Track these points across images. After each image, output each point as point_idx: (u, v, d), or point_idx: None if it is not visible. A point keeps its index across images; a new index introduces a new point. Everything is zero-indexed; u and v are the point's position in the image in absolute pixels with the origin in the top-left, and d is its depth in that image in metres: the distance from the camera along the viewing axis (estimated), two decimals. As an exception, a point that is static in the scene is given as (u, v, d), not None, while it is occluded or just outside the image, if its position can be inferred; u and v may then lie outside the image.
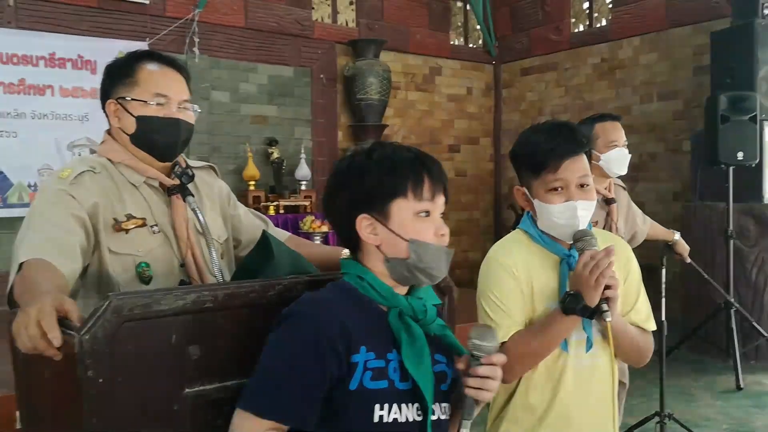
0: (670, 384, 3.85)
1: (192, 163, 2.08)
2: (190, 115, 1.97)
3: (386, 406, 1.42)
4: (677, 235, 3.71)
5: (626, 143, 3.35)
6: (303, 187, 7.12)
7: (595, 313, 1.76)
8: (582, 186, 1.85)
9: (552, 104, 8.12)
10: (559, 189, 1.85)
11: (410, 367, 1.43)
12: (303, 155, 7.13)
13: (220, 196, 2.13)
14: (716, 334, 5.64)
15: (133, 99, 1.89)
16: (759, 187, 5.75)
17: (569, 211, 1.84)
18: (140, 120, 1.89)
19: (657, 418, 3.76)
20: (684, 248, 3.73)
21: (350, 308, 1.46)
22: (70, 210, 1.77)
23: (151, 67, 1.92)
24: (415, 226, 1.47)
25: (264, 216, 2.23)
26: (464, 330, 1.58)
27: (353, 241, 1.53)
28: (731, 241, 5.50)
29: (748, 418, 4.61)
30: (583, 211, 1.84)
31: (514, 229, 6.29)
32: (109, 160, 1.92)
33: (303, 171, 7.13)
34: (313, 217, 6.59)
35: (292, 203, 6.92)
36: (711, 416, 4.62)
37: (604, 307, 1.75)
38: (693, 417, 4.53)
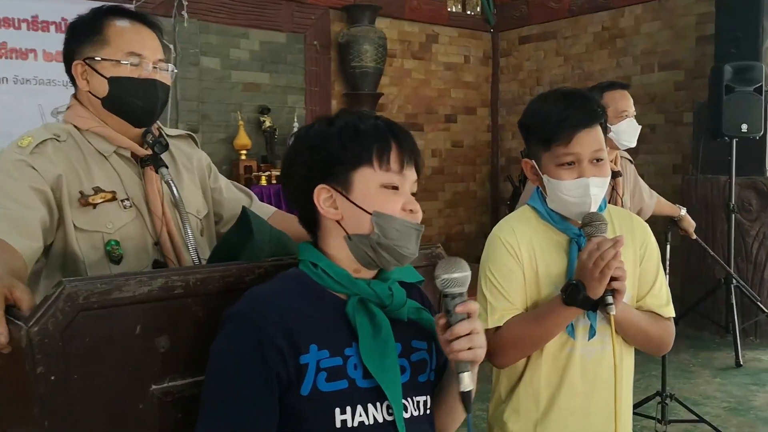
0: (669, 360, 3.75)
1: (167, 131, 1.92)
2: (166, 76, 1.81)
3: (348, 409, 1.27)
4: (683, 211, 3.58)
5: (635, 113, 3.21)
6: (295, 157, 6.93)
7: (597, 306, 1.62)
8: (595, 161, 1.70)
9: (551, 74, 7.91)
10: (571, 164, 1.69)
11: (369, 362, 1.28)
12: (296, 124, 6.93)
13: (200, 167, 1.98)
14: (715, 310, 5.54)
15: (103, 59, 1.73)
16: (762, 160, 5.61)
17: (581, 188, 1.68)
18: (113, 81, 1.72)
19: (658, 398, 3.65)
20: (690, 224, 3.60)
21: (300, 301, 1.30)
22: (30, 183, 1.61)
23: (121, 24, 1.75)
24: (380, 198, 1.31)
25: (248, 190, 2.07)
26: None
27: (312, 219, 1.37)
28: (733, 215, 5.37)
29: (747, 395, 4.52)
30: (596, 188, 1.69)
31: (510, 201, 6.20)
32: (76, 127, 1.76)
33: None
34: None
35: (285, 173, 6.74)
36: (710, 393, 4.53)
37: (609, 299, 1.61)
38: (692, 394, 4.44)
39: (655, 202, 3.45)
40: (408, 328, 1.37)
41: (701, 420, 3.68)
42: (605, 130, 1.74)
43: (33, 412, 1.13)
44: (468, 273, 1.29)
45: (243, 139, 6.63)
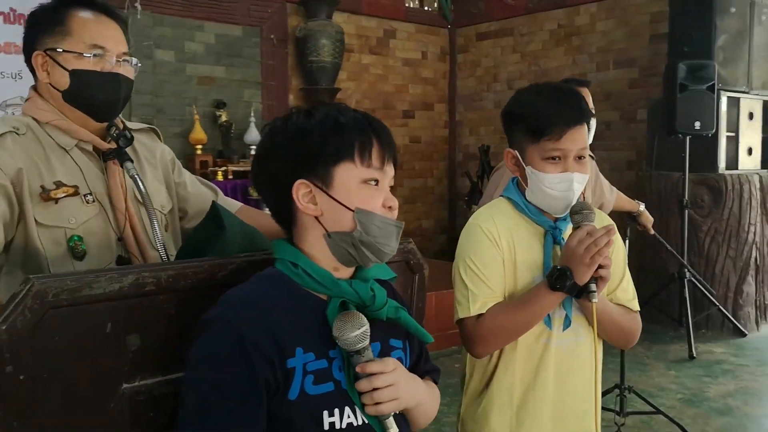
0: (624, 353, 3.83)
1: (130, 125, 1.87)
2: (129, 70, 1.77)
3: (336, 411, 1.25)
4: (642, 206, 3.64)
5: (593, 110, 3.23)
6: (252, 152, 6.86)
7: (582, 292, 1.64)
8: (579, 158, 1.71)
9: (508, 70, 7.97)
10: (557, 159, 1.71)
11: (346, 369, 1.26)
12: (252, 119, 6.87)
13: (163, 161, 1.93)
14: (668, 304, 5.65)
15: (65, 50, 1.67)
16: (714, 157, 5.73)
17: (565, 182, 1.70)
18: (75, 74, 1.67)
19: (617, 390, 3.71)
20: (648, 219, 3.67)
21: (281, 303, 1.26)
22: None
23: (84, 15, 1.70)
24: (361, 194, 1.29)
25: (213, 184, 2.04)
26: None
27: (288, 215, 1.33)
28: (686, 211, 5.48)
29: (701, 387, 4.62)
30: (578, 184, 1.71)
31: (468, 197, 6.24)
32: (35, 120, 1.71)
33: (252, 135, 6.86)
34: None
35: (241, 168, 6.65)
36: (665, 385, 4.61)
37: (593, 286, 1.64)
38: (647, 386, 4.52)
39: (615, 197, 3.50)
40: (385, 328, 1.36)
41: (658, 412, 3.75)
42: (589, 129, 1.75)
43: (1, 414, 1.09)
44: (365, 327, 1.25)
45: (198, 133, 6.54)
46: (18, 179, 1.59)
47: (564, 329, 1.76)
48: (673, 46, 5.83)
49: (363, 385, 1.25)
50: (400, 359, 1.38)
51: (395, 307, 1.35)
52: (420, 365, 1.46)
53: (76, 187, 1.67)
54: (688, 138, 5.35)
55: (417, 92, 8.36)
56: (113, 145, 1.75)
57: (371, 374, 1.25)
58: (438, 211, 8.47)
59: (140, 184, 1.69)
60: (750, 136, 5.98)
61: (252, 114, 6.90)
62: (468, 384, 1.86)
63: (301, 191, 1.29)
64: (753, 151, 6.01)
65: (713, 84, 5.33)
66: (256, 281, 1.30)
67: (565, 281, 1.63)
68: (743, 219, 5.71)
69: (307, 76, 7.35)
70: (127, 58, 1.76)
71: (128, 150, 1.77)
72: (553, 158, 1.71)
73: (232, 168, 6.55)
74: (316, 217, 1.30)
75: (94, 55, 1.68)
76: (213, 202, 1.60)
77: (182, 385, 1.21)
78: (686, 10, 5.73)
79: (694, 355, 5.11)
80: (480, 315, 1.72)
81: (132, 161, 1.71)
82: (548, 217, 1.77)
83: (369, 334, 1.25)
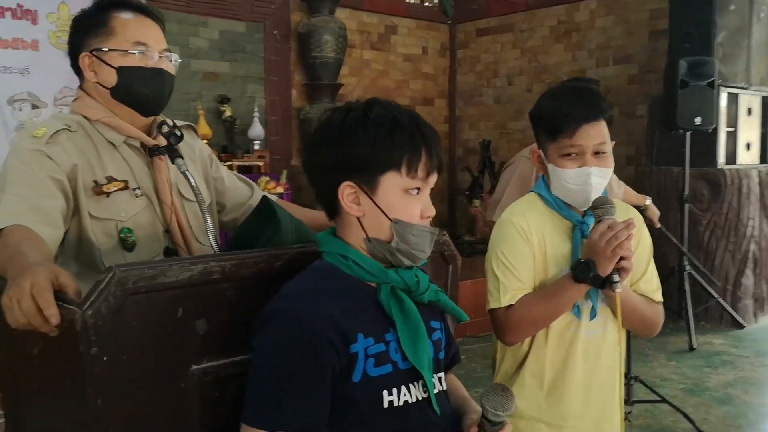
0: (626, 344, 3.93)
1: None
2: (170, 66, 1.86)
3: (394, 390, 1.33)
4: (649, 200, 3.73)
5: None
6: (256, 147, 6.93)
7: (605, 283, 1.73)
8: (598, 153, 1.80)
9: (508, 66, 8.07)
10: (574, 155, 1.80)
11: (407, 348, 1.34)
12: (256, 114, 6.94)
13: (202, 157, 2.01)
14: (668, 296, 5.72)
15: (111, 49, 1.76)
16: (713, 152, 5.84)
17: (582, 176, 1.79)
18: (121, 71, 1.76)
19: (624, 380, 3.80)
20: (654, 213, 3.76)
21: (338, 293, 1.34)
22: (47, 172, 1.64)
23: (125, 16, 1.79)
24: (402, 203, 1.35)
25: (248, 179, 2.11)
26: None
27: (332, 206, 1.40)
28: (686, 205, 5.58)
29: (702, 377, 4.73)
30: (597, 178, 1.79)
31: (469, 191, 6.36)
32: (85, 117, 1.79)
33: (256, 130, 6.94)
34: (267, 178, 6.43)
35: (246, 163, 6.72)
36: (667, 376, 4.72)
37: (615, 277, 1.71)
38: (650, 377, 4.60)
39: (623, 191, 3.59)
40: (427, 310, 1.44)
41: (663, 400, 3.85)
42: (611, 124, 1.83)
43: (86, 392, 1.17)
44: (513, 409, 1.38)
45: (203, 128, 6.59)
46: (73, 174, 1.67)
47: (591, 319, 1.85)
48: (673, 42, 5.92)
49: None
50: (440, 339, 1.48)
51: (435, 290, 1.45)
52: (451, 347, 1.56)
53: (126, 181, 1.75)
54: (688, 133, 5.45)
55: (417, 87, 8.45)
56: (159, 142, 1.83)
57: None
58: (438, 205, 8.44)
59: (191, 180, 1.77)
60: (748, 131, 6.10)
61: (255, 109, 6.96)
62: (499, 368, 1.95)
63: (347, 191, 1.35)
64: (751, 146, 6.13)
65: (713, 80, 5.43)
66: (310, 274, 1.38)
67: (588, 273, 1.72)
68: (742, 213, 5.82)
69: (309, 71, 7.41)
70: (168, 54, 1.84)
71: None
72: (570, 154, 1.80)
73: (236, 163, 6.61)
74: (358, 218, 1.37)
75: (139, 52, 1.76)
76: (264, 196, 1.68)
77: (249, 375, 1.29)
78: (686, 7, 5.82)
79: (694, 347, 5.22)
80: (510, 306, 1.82)
81: (182, 158, 1.79)
82: (576, 212, 1.86)
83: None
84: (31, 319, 1.19)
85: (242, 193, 2.04)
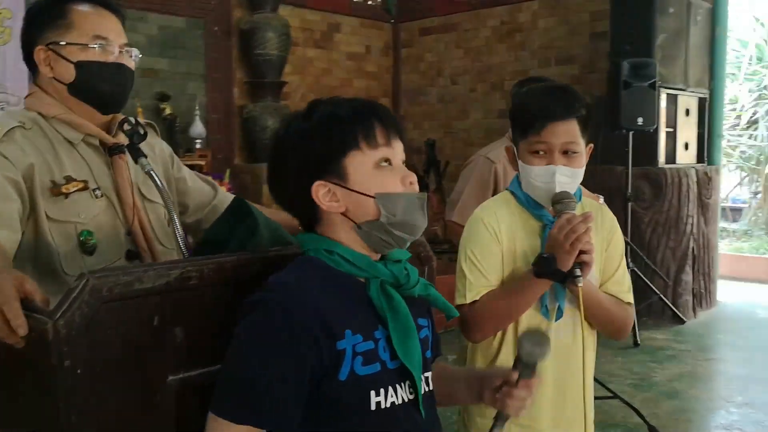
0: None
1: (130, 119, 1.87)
2: (131, 61, 1.78)
3: (382, 391, 1.29)
4: (601, 199, 3.76)
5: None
6: (198, 146, 6.79)
7: (567, 278, 1.71)
8: (567, 152, 1.78)
9: (452, 66, 8.08)
10: (542, 152, 1.78)
11: (398, 346, 1.30)
12: (197, 112, 6.79)
13: (162, 157, 1.94)
14: (611, 294, 5.84)
15: (69, 43, 1.67)
16: (654, 152, 5.96)
17: (548, 175, 1.77)
18: (80, 66, 1.67)
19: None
20: (607, 212, 3.80)
21: (325, 288, 1.29)
22: (2, 172, 1.54)
23: (84, 8, 1.71)
24: (378, 179, 1.31)
25: (211, 179, 2.05)
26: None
27: (312, 216, 1.36)
28: (629, 204, 5.68)
29: (648, 372, 4.82)
30: (563, 177, 1.77)
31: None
32: (41, 114, 1.69)
33: (198, 129, 6.79)
34: (210, 178, 6.29)
35: (187, 162, 6.39)
36: (614, 371, 4.79)
37: (577, 271, 1.70)
38: (597, 373, 4.63)
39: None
40: (415, 306, 1.39)
41: (616, 396, 3.91)
42: (586, 124, 1.82)
43: (58, 407, 1.10)
44: (549, 348, 1.37)
45: (143, 127, 6.43)
46: (29, 174, 1.58)
47: (556, 320, 1.84)
48: (614, 44, 6.01)
49: (522, 393, 1.36)
50: (427, 337, 1.44)
51: (425, 284, 1.41)
52: (438, 344, 1.54)
53: (85, 181, 1.67)
54: (631, 133, 5.55)
55: (361, 86, 8.40)
56: (119, 140, 1.75)
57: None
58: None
59: (158, 180, 1.69)
60: (687, 131, 6.25)
61: (197, 107, 6.82)
62: (471, 365, 1.93)
63: (321, 192, 1.31)
64: (689, 146, 6.28)
65: (655, 81, 5.54)
66: (296, 267, 1.33)
67: (548, 267, 1.70)
68: (682, 211, 5.96)
69: (252, 69, 7.28)
70: (128, 48, 1.76)
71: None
72: (538, 152, 1.79)
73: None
74: (342, 213, 1.32)
75: (99, 46, 1.68)
76: (235, 197, 1.62)
77: (223, 364, 1.23)
78: (627, 9, 5.92)
79: (639, 342, 5.32)
80: (474, 302, 1.80)
81: (146, 157, 1.71)
82: (548, 211, 1.85)
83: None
84: None
85: (205, 193, 1.97)
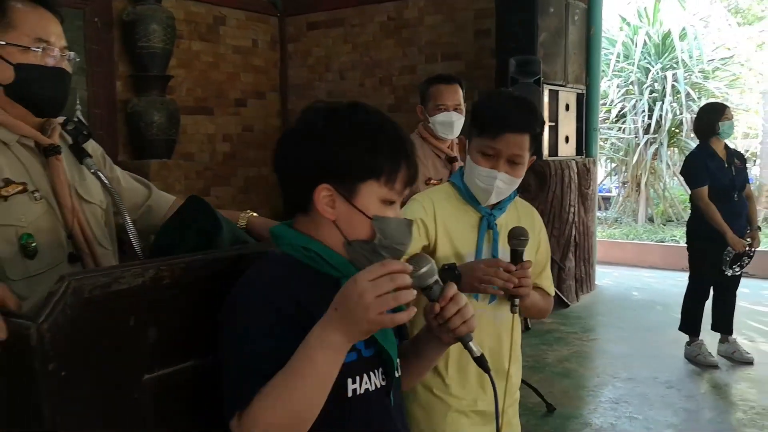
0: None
1: (59, 120, 1.83)
2: (68, 65, 1.74)
3: (357, 378, 1.36)
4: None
5: (459, 106, 3.48)
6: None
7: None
8: (512, 162, 1.89)
9: (340, 61, 8.15)
10: (490, 156, 1.89)
11: (378, 335, 1.36)
12: (78, 106, 6.55)
13: (96, 157, 1.90)
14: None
15: (8, 44, 1.62)
16: (539, 145, 6.23)
17: (490, 178, 1.89)
18: (20, 69, 1.62)
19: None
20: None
21: (303, 283, 1.33)
22: None
23: (25, 7, 1.65)
24: (380, 209, 1.36)
25: (144, 179, 2.02)
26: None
27: (302, 205, 1.38)
28: (517, 194, 5.94)
29: (540, 354, 5.09)
30: (502, 183, 1.90)
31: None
32: None
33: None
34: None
35: (71, 159, 6.34)
36: (509, 356, 5.02)
37: (516, 301, 1.88)
38: (493, 358, 4.90)
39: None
40: None
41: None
42: (536, 140, 1.92)
43: (41, 410, 1.10)
44: (432, 263, 1.36)
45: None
46: None
47: (489, 302, 1.98)
48: (500, 42, 6.26)
49: (451, 308, 1.35)
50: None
51: None
52: (402, 329, 1.61)
53: (24, 184, 1.63)
54: (518, 127, 5.81)
55: (249, 81, 8.32)
56: (54, 141, 1.71)
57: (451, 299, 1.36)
58: (273, 200, 8.49)
59: (105, 180, 1.67)
60: (567, 125, 6.60)
61: (77, 101, 6.58)
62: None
63: (323, 194, 1.34)
64: (570, 139, 6.63)
65: (539, 78, 5.82)
66: (271, 264, 1.36)
67: (453, 278, 1.81)
68: (564, 201, 6.30)
69: (136, 62, 7.07)
70: (67, 52, 1.73)
71: (63, 146, 1.75)
72: (487, 154, 1.90)
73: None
74: (333, 220, 1.35)
75: (42, 50, 1.64)
76: (192, 195, 1.62)
77: (225, 364, 1.26)
78: (511, 9, 6.17)
79: (529, 327, 5.59)
80: None
81: (91, 156, 1.68)
82: (486, 205, 1.97)
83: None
84: None
85: (139, 194, 1.96)
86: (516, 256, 1.87)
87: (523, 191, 5.88)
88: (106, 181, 1.68)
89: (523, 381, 4.05)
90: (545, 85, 6.12)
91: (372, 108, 1.40)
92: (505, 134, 1.87)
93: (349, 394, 1.34)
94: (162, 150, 7.00)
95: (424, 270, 1.34)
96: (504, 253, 1.97)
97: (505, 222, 2.01)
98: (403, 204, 1.46)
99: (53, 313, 1.09)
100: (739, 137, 12.23)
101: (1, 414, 1.18)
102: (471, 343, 1.39)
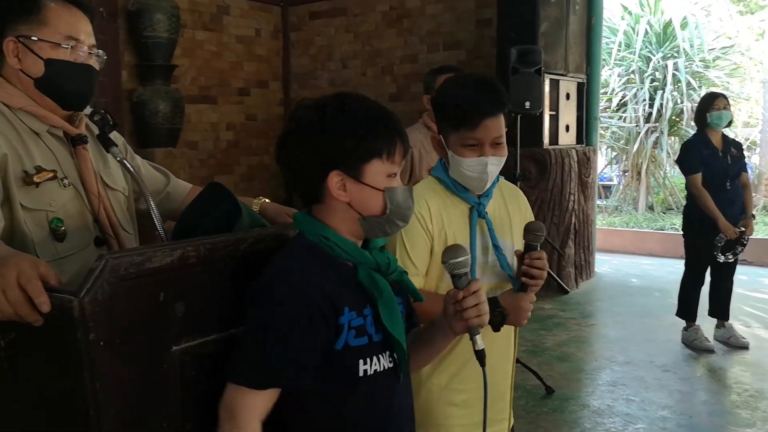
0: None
1: (85, 111, 1.93)
2: (96, 63, 1.84)
3: (368, 360, 1.47)
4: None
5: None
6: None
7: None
8: (495, 144, 1.95)
9: (341, 50, 8.23)
10: (474, 145, 1.93)
11: (387, 321, 1.48)
12: (86, 96, 6.63)
13: (118, 146, 2.00)
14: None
15: (41, 39, 1.71)
16: (539, 134, 6.36)
17: (480, 166, 1.93)
18: (50, 64, 1.72)
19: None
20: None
21: (324, 270, 1.46)
22: None
23: (58, 6, 1.75)
24: (386, 182, 1.49)
25: (163, 168, 2.12)
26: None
27: (315, 195, 1.50)
28: (518, 183, 6.04)
29: (540, 339, 5.20)
30: (493, 167, 1.94)
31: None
32: (6, 105, 1.73)
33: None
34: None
35: (78, 148, 6.42)
36: (509, 340, 5.12)
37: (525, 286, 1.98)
38: (494, 343, 5.00)
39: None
40: (392, 287, 1.57)
41: (518, 362, 4.20)
42: (507, 116, 2.00)
43: (83, 377, 1.20)
44: (468, 256, 1.56)
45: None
46: (3, 164, 1.62)
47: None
48: (501, 31, 6.36)
49: (471, 300, 1.52)
50: (402, 313, 1.61)
51: (401, 272, 1.59)
52: (413, 317, 1.71)
53: (54, 171, 1.72)
54: (519, 117, 5.90)
55: (251, 70, 8.41)
56: (81, 131, 1.81)
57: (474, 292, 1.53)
58: (275, 189, 8.59)
59: (131, 168, 1.77)
60: (567, 114, 6.69)
61: (85, 91, 6.64)
62: None
63: (335, 180, 1.46)
64: (570, 128, 6.73)
65: (540, 67, 5.91)
66: (297, 252, 1.48)
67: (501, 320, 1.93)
68: (564, 189, 6.40)
69: (141, 51, 7.16)
70: (95, 50, 1.83)
71: (87, 134, 1.85)
72: (470, 145, 1.94)
73: (69, 147, 6.31)
74: (348, 203, 1.48)
75: (71, 47, 1.74)
76: (213, 182, 1.72)
77: (242, 339, 1.39)
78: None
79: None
80: None
81: (117, 146, 1.78)
82: (472, 194, 2.02)
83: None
84: (19, 309, 1.20)
85: (158, 180, 2.06)
86: (530, 250, 1.94)
87: (523, 179, 6.07)
88: (132, 169, 1.78)
89: (522, 364, 4.21)
90: (546, 75, 6.20)
91: (355, 95, 1.52)
92: (482, 122, 1.89)
93: (360, 373, 1.46)
94: (167, 139, 7.10)
95: (460, 259, 1.55)
96: (503, 242, 2.02)
97: (492, 209, 2.05)
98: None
99: (93, 288, 1.19)
100: (739, 126, 12.29)
101: (31, 393, 1.28)
102: (477, 337, 1.53)
